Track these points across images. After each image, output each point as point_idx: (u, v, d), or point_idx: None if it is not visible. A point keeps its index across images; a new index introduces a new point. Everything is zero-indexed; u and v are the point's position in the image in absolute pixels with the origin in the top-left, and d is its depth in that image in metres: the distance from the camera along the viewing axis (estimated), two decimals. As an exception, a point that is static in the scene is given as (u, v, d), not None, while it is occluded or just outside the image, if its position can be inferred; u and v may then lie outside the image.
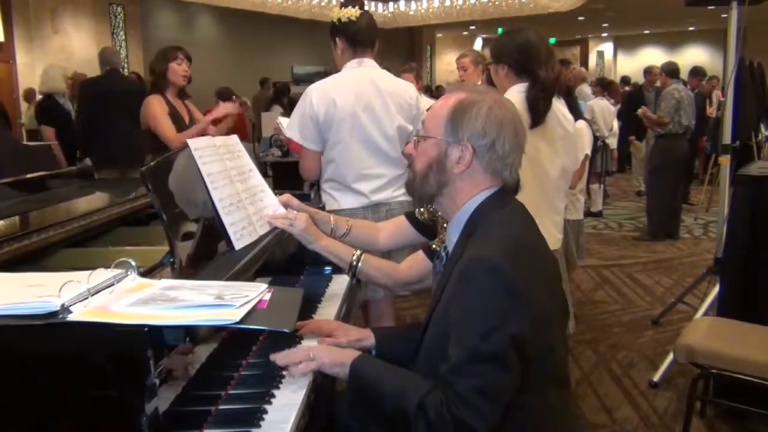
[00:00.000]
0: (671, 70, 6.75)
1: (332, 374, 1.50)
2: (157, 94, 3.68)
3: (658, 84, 7.91)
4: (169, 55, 3.67)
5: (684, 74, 8.09)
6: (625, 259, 5.97)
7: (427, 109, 1.78)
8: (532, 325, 1.33)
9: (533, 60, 2.41)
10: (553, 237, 2.46)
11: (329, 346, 1.60)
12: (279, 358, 1.48)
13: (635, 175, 9.74)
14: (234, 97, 4.23)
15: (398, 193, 2.81)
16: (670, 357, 3.35)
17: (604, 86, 8.32)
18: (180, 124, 3.65)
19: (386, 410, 1.39)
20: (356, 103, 2.68)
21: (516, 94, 2.39)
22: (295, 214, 1.87)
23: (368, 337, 1.74)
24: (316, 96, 2.70)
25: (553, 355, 1.44)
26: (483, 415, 1.28)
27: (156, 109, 3.59)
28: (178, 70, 3.68)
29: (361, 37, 2.76)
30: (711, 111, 9.26)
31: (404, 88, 2.84)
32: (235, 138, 1.98)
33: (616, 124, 11.55)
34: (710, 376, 2.69)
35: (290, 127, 2.80)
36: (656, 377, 3.37)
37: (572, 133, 2.53)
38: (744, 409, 2.75)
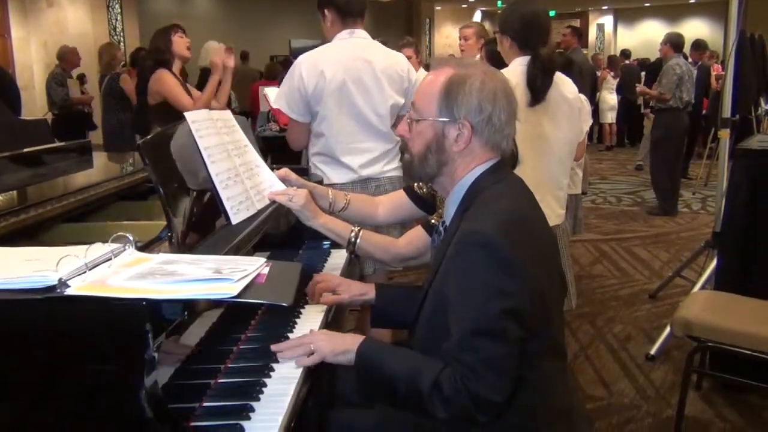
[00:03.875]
0: (677, 43, 6.65)
1: (336, 362, 1.47)
2: (164, 68, 3.62)
3: (659, 55, 7.83)
4: (169, 30, 3.66)
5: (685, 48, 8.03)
6: (623, 234, 5.99)
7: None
8: (527, 297, 1.33)
9: (536, 34, 2.37)
10: (555, 212, 2.46)
11: (329, 333, 1.56)
12: (279, 351, 1.46)
13: (641, 149, 9.58)
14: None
15: (388, 168, 2.76)
16: (667, 330, 3.37)
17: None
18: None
19: (399, 393, 1.37)
20: (346, 76, 2.62)
21: (518, 67, 2.37)
22: (294, 190, 1.87)
23: (370, 292, 1.78)
24: (305, 68, 2.63)
25: (550, 328, 1.44)
26: (493, 386, 1.29)
27: (170, 82, 3.57)
28: (181, 42, 3.65)
29: (352, 7, 2.68)
30: (717, 85, 9.21)
31: (396, 60, 2.77)
32: (229, 113, 1.97)
33: (614, 99, 11.54)
34: (707, 349, 2.71)
35: (278, 98, 2.75)
36: (653, 350, 3.39)
37: (576, 107, 2.51)
38: (740, 381, 2.78)
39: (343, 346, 1.46)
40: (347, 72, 2.62)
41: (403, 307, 1.69)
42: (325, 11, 2.72)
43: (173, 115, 3.42)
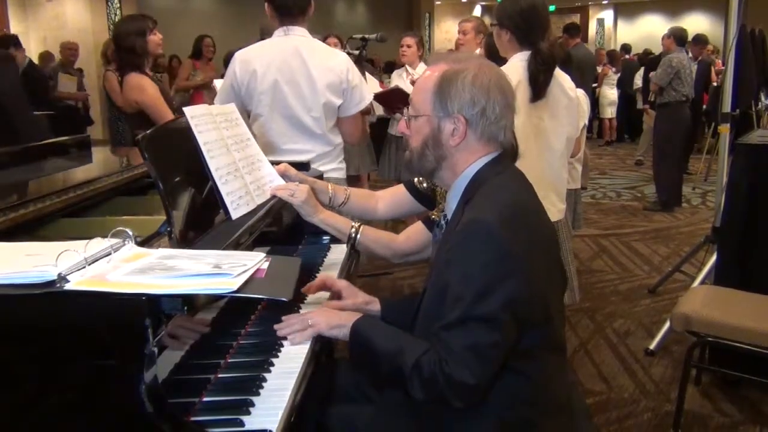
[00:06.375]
0: (680, 37, 6.62)
1: (331, 336, 1.54)
2: (139, 72, 3.31)
3: (662, 48, 7.79)
4: (145, 28, 3.31)
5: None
6: (623, 229, 5.99)
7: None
8: (526, 288, 1.34)
9: (536, 28, 2.37)
10: (557, 207, 2.46)
11: (326, 310, 1.63)
12: (279, 328, 1.53)
13: (640, 144, 9.54)
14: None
15: (324, 169, 2.67)
16: (667, 325, 3.37)
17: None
18: (166, 99, 3.42)
19: (383, 369, 1.43)
20: (278, 76, 2.56)
21: (518, 62, 2.36)
22: (296, 186, 1.88)
23: (374, 303, 1.78)
24: (238, 65, 2.59)
25: (550, 321, 1.45)
26: (472, 371, 1.31)
27: (152, 92, 3.29)
28: (156, 41, 3.34)
29: (287, 4, 2.60)
30: (717, 80, 9.19)
31: (335, 61, 2.65)
32: (232, 106, 1.97)
33: (615, 94, 11.52)
34: (706, 344, 2.71)
35: (218, 93, 2.70)
36: (652, 345, 3.40)
37: (575, 102, 2.51)
38: (739, 376, 2.78)
39: (339, 321, 1.53)
40: (280, 71, 2.56)
41: (408, 316, 1.68)
42: (265, 4, 2.66)
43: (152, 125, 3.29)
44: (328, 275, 1.87)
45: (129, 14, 3.61)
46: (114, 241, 1.29)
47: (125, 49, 3.29)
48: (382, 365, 1.43)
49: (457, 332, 1.33)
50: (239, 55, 2.63)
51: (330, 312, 1.60)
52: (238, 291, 1.13)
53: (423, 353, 1.36)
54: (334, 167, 2.76)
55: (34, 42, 10.55)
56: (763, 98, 7.29)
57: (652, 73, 6.55)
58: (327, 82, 2.61)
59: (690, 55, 7.53)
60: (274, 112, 2.59)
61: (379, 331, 1.49)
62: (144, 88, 3.27)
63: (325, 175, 2.64)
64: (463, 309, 1.32)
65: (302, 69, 2.58)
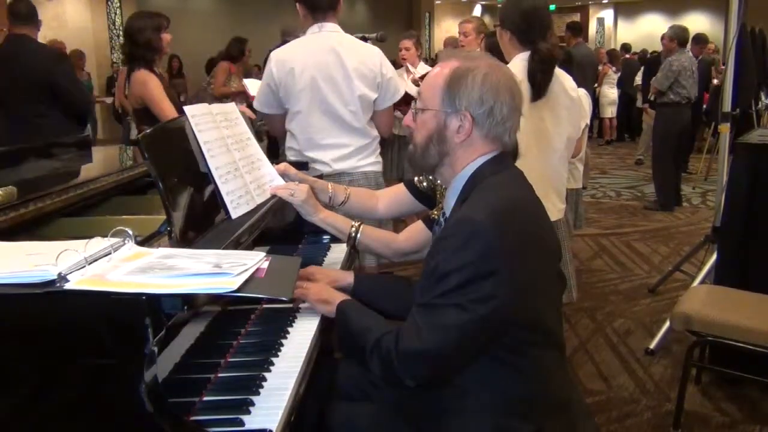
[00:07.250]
0: (682, 38, 6.58)
1: (316, 308, 1.61)
2: (147, 69, 3.28)
3: (662, 49, 7.76)
4: (160, 25, 3.32)
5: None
6: (623, 228, 5.99)
7: (421, 78, 1.76)
8: (510, 286, 1.33)
9: (537, 29, 2.37)
10: (556, 207, 2.46)
11: (324, 285, 1.68)
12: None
13: (640, 143, 9.52)
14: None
15: (363, 163, 2.74)
16: (667, 324, 3.37)
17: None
18: (171, 98, 3.40)
19: (355, 347, 1.46)
20: (315, 72, 2.60)
21: (519, 62, 2.37)
22: (296, 185, 1.89)
23: (346, 278, 1.80)
24: (275, 64, 2.64)
25: (544, 318, 1.45)
26: (422, 338, 1.33)
27: (157, 91, 3.27)
28: (167, 38, 3.37)
29: (319, 2, 2.66)
30: (718, 79, 9.16)
31: (367, 55, 2.71)
32: (232, 105, 1.97)
33: (615, 93, 11.52)
34: (706, 344, 2.71)
35: (257, 95, 2.79)
36: (652, 345, 3.40)
37: (576, 102, 2.51)
38: (739, 375, 2.78)
39: (329, 296, 1.60)
40: (317, 68, 2.60)
41: (381, 295, 1.72)
42: (297, 4, 2.72)
43: (156, 121, 3.18)
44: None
45: (142, 10, 3.58)
46: (114, 240, 1.29)
47: (141, 44, 3.27)
48: (354, 343, 1.47)
49: (426, 310, 1.36)
50: (275, 55, 2.67)
51: (325, 287, 1.66)
52: (238, 290, 1.13)
53: (385, 332, 1.40)
54: (373, 161, 2.80)
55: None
56: (763, 98, 7.29)
57: (653, 79, 6.51)
58: (361, 76, 2.66)
59: (690, 54, 7.54)
60: (313, 109, 2.64)
61: (360, 313, 1.53)
62: (147, 84, 3.27)
63: (363, 169, 2.74)
64: (434, 296, 1.34)
65: (338, 64, 2.63)
